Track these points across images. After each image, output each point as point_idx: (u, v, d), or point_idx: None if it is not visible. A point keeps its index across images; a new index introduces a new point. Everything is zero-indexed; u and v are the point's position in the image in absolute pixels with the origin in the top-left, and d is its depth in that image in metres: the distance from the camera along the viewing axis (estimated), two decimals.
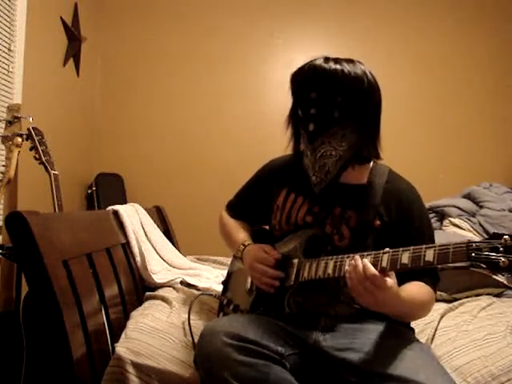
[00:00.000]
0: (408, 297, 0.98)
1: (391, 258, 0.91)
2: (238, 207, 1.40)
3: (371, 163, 1.21)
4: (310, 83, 1.10)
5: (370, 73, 1.12)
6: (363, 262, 0.91)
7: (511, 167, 3.32)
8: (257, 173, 1.37)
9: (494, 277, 1.95)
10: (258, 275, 1.15)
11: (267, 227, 1.34)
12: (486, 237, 0.82)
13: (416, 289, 1.05)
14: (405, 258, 0.90)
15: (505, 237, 0.78)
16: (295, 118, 1.18)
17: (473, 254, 0.80)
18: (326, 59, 1.10)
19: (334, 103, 1.08)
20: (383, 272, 0.91)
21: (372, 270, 0.89)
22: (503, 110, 3.40)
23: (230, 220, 1.40)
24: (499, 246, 0.78)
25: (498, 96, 3.39)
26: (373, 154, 1.16)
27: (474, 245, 0.80)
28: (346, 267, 0.95)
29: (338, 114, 1.08)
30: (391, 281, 0.91)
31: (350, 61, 1.11)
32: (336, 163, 1.12)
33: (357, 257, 0.94)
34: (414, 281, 1.06)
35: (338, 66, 1.07)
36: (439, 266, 1.13)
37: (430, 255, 0.86)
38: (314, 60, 1.11)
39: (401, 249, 0.91)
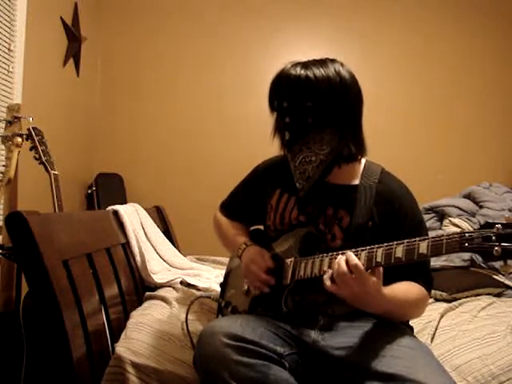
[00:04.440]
0: (391, 294, 0.99)
1: (385, 252, 0.92)
2: (233, 208, 1.41)
3: (363, 163, 1.21)
4: (279, 92, 1.11)
5: (348, 71, 1.11)
6: (347, 255, 0.95)
7: (511, 167, 3.32)
8: (250, 173, 1.38)
9: (494, 277, 1.96)
10: (250, 277, 1.17)
11: (261, 227, 1.35)
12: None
13: (403, 287, 1.05)
14: (399, 251, 0.90)
15: (497, 225, 0.78)
16: (278, 128, 1.18)
17: (466, 244, 0.80)
18: (294, 65, 1.10)
19: (305, 109, 1.08)
20: (377, 267, 0.93)
21: (355, 260, 0.92)
22: (503, 109, 3.40)
23: (225, 220, 1.40)
24: (492, 234, 0.78)
25: (498, 95, 3.39)
26: (357, 151, 1.15)
27: (466, 235, 0.81)
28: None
29: (312, 119, 1.08)
30: (373, 278, 0.93)
31: (321, 62, 1.10)
32: (316, 168, 1.11)
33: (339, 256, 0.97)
34: (405, 281, 1.07)
35: (302, 72, 1.07)
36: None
37: (423, 247, 0.87)
38: (283, 68, 1.11)
39: (394, 243, 0.92)
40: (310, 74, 1.06)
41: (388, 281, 1.01)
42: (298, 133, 1.10)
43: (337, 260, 0.95)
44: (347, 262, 0.93)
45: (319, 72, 1.07)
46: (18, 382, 1.30)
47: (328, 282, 0.96)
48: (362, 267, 0.92)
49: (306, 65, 1.09)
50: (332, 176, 1.17)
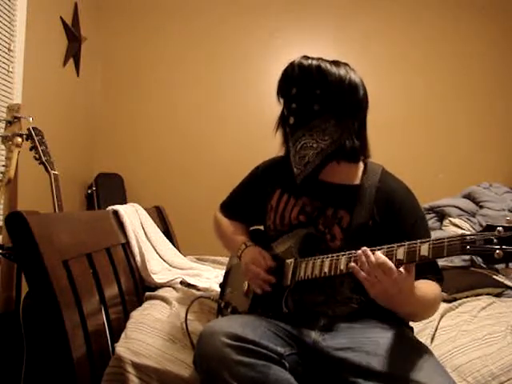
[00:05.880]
0: (420, 294, 0.97)
1: (386, 254, 0.91)
2: (233, 207, 1.41)
3: (364, 163, 1.21)
4: (290, 79, 1.13)
5: (358, 76, 1.14)
6: (374, 251, 0.91)
7: (511, 167, 3.32)
8: (250, 173, 1.38)
9: (494, 277, 1.96)
10: (251, 276, 1.18)
11: (261, 227, 1.35)
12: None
13: (426, 286, 1.04)
14: (400, 253, 0.90)
15: (498, 228, 0.78)
16: (283, 120, 1.20)
17: (467, 247, 0.80)
18: (306, 57, 1.13)
19: (313, 96, 1.10)
20: (400, 265, 0.90)
21: (383, 257, 0.89)
22: (503, 109, 3.40)
23: (225, 220, 1.41)
24: (493, 237, 0.78)
25: (498, 96, 3.39)
26: (359, 151, 1.16)
27: (468, 238, 0.80)
28: (351, 264, 0.94)
29: (318, 107, 1.10)
30: (405, 274, 0.90)
31: (334, 62, 1.13)
32: (316, 155, 1.12)
33: (365, 248, 0.93)
34: (419, 279, 1.05)
35: (315, 62, 1.10)
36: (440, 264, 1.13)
37: (424, 250, 0.86)
38: (295, 59, 1.14)
39: (395, 244, 0.91)
40: (322, 65, 1.10)
41: None
42: (303, 118, 1.12)
43: (366, 256, 0.91)
44: (376, 257, 0.90)
45: (331, 67, 1.10)
46: (18, 382, 1.30)
47: (362, 274, 0.92)
48: (391, 264, 0.88)
49: (316, 59, 1.12)
50: (333, 176, 1.17)
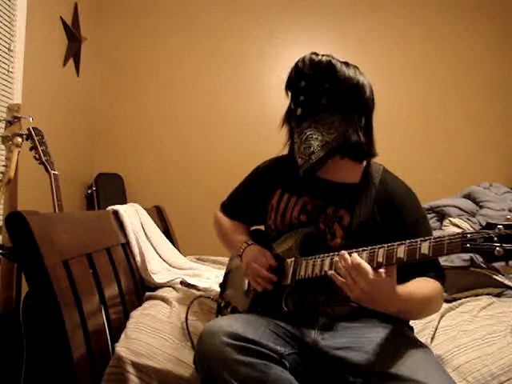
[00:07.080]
0: (405, 292, 0.97)
1: (387, 252, 0.91)
2: (234, 207, 1.41)
3: (364, 162, 1.21)
4: (300, 72, 1.14)
5: (367, 78, 1.16)
6: (351, 254, 0.93)
7: (511, 167, 3.32)
8: (251, 174, 1.39)
9: (494, 277, 1.95)
10: (252, 274, 1.17)
11: (262, 227, 1.35)
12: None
13: (416, 284, 1.04)
14: (400, 251, 0.90)
15: (498, 226, 0.78)
16: (289, 115, 1.20)
17: (467, 245, 0.80)
18: (316, 53, 1.14)
19: (321, 89, 1.12)
20: (378, 267, 0.91)
21: (358, 259, 0.91)
22: (503, 109, 3.40)
23: (226, 220, 1.41)
24: (493, 235, 0.78)
25: (498, 96, 3.39)
26: (365, 148, 1.16)
27: (468, 236, 0.80)
28: (330, 272, 0.96)
29: (325, 101, 1.11)
30: (383, 274, 0.90)
31: (344, 62, 1.14)
32: (321, 147, 1.12)
33: (343, 251, 0.95)
34: (417, 277, 1.05)
35: (325, 58, 1.12)
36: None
37: (425, 248, 0.86)
38: (306, 54, 1.15)
39: (396, 243, 0.92)
40: (333, 61, 1.12)
41: (399, 276, 0.98)
42: (310, 110, 1.13)
43: (342, 258, 0.93)
44: (351, 259, 0.92)
45: (341, 65, 1.12)
46: (18, 382, 1.30)
47: (340, 279, 0.93)
48: (366, 266, 0.90)
49: (329, 55, 1.14)
50: (333, 174, 1.17)
